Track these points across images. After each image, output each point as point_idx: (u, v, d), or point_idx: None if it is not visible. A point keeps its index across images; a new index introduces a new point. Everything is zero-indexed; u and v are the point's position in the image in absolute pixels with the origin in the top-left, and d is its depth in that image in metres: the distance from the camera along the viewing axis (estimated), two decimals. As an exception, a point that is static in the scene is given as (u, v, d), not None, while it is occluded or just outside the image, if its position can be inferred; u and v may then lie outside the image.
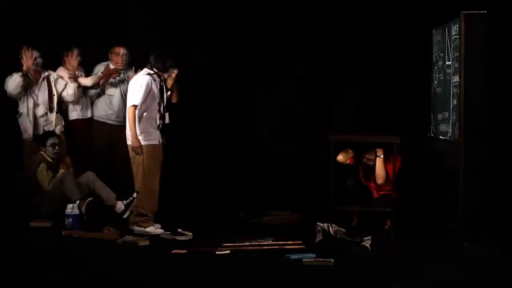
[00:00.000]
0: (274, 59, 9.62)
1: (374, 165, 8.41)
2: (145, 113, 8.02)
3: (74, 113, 9.11)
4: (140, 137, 7.98)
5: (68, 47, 9.01)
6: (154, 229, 8.02)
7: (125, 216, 8.29)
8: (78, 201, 8.24)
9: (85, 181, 8.54)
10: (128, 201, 8.33)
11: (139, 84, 8.03)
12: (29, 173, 8.61)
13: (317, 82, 9.70)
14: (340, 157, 8.51)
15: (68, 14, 9.38)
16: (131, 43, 9.27)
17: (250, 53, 9.62)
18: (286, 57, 9.63)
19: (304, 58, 9.63)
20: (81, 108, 9.10)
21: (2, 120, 8.98)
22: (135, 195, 8.27)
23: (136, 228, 8.04)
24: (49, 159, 8.66)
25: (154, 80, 8.08)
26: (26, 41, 8.82)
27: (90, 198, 8.34)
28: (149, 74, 8.07)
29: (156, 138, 8.09)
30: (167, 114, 8.34)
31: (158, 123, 8.09)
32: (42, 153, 8.68)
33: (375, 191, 8.52)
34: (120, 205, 8.36)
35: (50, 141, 8.68)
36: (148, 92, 8.00)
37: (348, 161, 8.55)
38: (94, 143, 9.11)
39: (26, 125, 8.84)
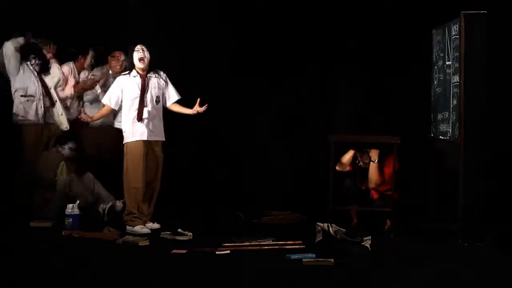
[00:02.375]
0: (273, 58, 9.63)
1: (368, 168, 8.40)
2: (124, 111, 8.16)
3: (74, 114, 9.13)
4: (124, 135, 8.14)
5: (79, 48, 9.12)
6: (140, 228, 8.02)
7: None
8: (78, 201, 8.26)
9: (86, 181, 8.59)
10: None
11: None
12: (45, 169, 8.61)
13: (317, 82, 9.70)
14: (345, 160, 8.49)
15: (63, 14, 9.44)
16: (130, 44, 9.30)
17: (249, 53, 9.62)
18: (286, 57, 9.64)
19: (304, 58, 9.63)
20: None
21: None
22: None
23: (127, 227, 8.05)
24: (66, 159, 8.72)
25: (130, 78, 8.21)
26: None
27: (112, 202, 8.43)
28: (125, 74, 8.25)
29: (138, 134, 8.12)
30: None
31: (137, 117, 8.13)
32: (60, 150, 8.69)
33: (373, 192, 8.53)
34: (119, 204, 8.41)
35: (69, 145, 8.71)
36: (119, 90, 8.18)
37: (348, 168, 8.53)
38: (85, 145, 9.15)
39: (32, 108, 8.82)
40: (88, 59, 9.22)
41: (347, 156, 8.46)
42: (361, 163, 8.46)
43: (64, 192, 8.51)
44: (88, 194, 8.55)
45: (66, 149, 8.72)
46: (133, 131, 8.12)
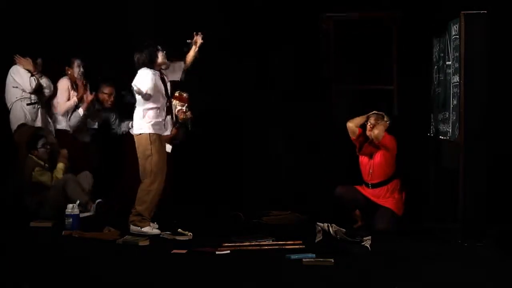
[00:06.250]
0: (273, 58, 9.63)
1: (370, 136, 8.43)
2: (152, 105, 7.96)
3: (63, 124, 9.17)
4: (148, 124, 7.94)
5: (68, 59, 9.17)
6: (151, 229, 7.99)
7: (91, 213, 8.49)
8: (78, 201, 8.26)
9: (82, 180, 8.61)
10: (96, 203, 8.48)
11: (144, 75, 7.93)
12: (24, 175, 8.64)
13: (317, 82, 9.70)
14: (357, 120, 8.49)
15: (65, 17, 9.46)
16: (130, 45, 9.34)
17: (250, 52, 9.63)
18: (286, 57, 9.64)
19: (304, 57, 9.63)
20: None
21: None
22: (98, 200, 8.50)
23: (132, 227, 7.99)
24: (41, 162, 8.68)
25: (154, 73, 8.00)
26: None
27: (99, 200, 8.43)
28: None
29: (161, 130, 8.06)
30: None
31: (165, 115, 8.06)
32: (33, 157, 8.67)
33: (369, 173, 8.46)
34: (92, 207, 8.50)
35: (41, 143, 8.68)
36: (153, 82, 7.92)
37: (357, 133, 8.50)
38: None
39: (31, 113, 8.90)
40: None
41: (362, 117, 8.50)
42: (369, 124, 8.42)
43: (60, 192, 8.50)
44: (82, 195, 8.51)
45: (39, 148, 8.70)
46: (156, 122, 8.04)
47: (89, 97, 9.13)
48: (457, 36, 7.68)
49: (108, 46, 9.44)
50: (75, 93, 9.14)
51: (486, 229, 7.58)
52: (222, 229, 8.25)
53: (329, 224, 7.30)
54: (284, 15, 9.62)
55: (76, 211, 8.15)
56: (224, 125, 9.74)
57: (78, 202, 8.25)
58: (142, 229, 7.94)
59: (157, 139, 7.98)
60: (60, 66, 9.18)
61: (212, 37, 9.61)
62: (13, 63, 8.94)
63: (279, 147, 9.74)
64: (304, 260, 6.76)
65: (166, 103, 8.07)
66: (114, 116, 9.35)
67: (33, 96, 8.89)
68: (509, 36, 8.71)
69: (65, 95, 9.13)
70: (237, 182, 9.66)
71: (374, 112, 8.49)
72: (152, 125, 7.94)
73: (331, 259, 6.72)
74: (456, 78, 7.75)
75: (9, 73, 8.93)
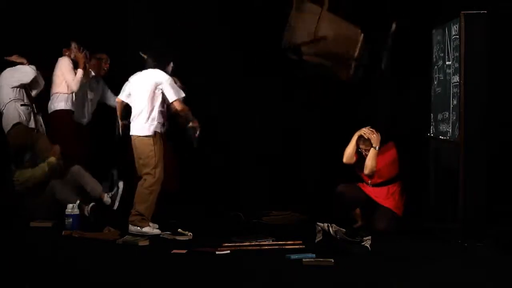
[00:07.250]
0: (273, 58, 9.63)
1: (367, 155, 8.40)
2: (160, 107, 8.02)
3: (62, 104, 9.13)
4: (152, 126, 7.96)
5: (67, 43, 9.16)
6: (151, 229, 7.98)
7: (115, 207, 8.37)
8: (78, 201, 8.26)
9: (70, 177, 8.57)
10: (113, 192, 8.40)
11: (168, 79, 8.02)
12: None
13: (317, 82, 9.69)
14: (349, 151, 8.45)
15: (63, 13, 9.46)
16: (130, 45, 9.34)
17: (250, 51, 9.63)
18: (285, 57, 9.64)
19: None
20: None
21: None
22: (120, 184, 8.33)
23: (131, 227, 7.96)
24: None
25: None
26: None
27: (93, 203, 8.40)
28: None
29: (161, 130, 8.10)
30: None
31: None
32: (16, 169, 8.63)
33: (369, 181, 8.47)
34: (106, 198, 8.42)
35: (27, 157, 8.65)
36: None
37: (354, 159, 8.48)
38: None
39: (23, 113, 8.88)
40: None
41: (351, 145, 8.43)
42: (363, 151, 8.41)
43: (50, 198, 8.49)
44: (72, 196, 8.46)
45: (26, 162, 8.64)
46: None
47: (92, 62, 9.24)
48: (457, 36, 7.69)
49: (108, 47, 9.43)
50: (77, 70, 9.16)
51: (486, 229, 7.58)
52: (222, 229, 8.25)
53: (329, 224, 7.29)
54: (283, 14, 9.62)
55: (76, 211, 8.15)
56: (224, 125, 9.73)
57: (78, 202, 8.24)
58: (142, 229, 7.93)
59: (159, 138, 7.99)
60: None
61: (212, 37, 9.68)
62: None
63: (279, 147, 9.73)
64: (304, 260, 6.76)
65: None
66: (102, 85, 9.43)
67: (26, 100, 8.87)
68: (509, 36, 8.70)
69: (71, 74, 9.05)
70: (237, 182, 9.65)
71: (359, 135, 8.44)
72: (156, 125, 7.97)
73: (331, 259, 6.72)
74: (456, 78, 7.75)
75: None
